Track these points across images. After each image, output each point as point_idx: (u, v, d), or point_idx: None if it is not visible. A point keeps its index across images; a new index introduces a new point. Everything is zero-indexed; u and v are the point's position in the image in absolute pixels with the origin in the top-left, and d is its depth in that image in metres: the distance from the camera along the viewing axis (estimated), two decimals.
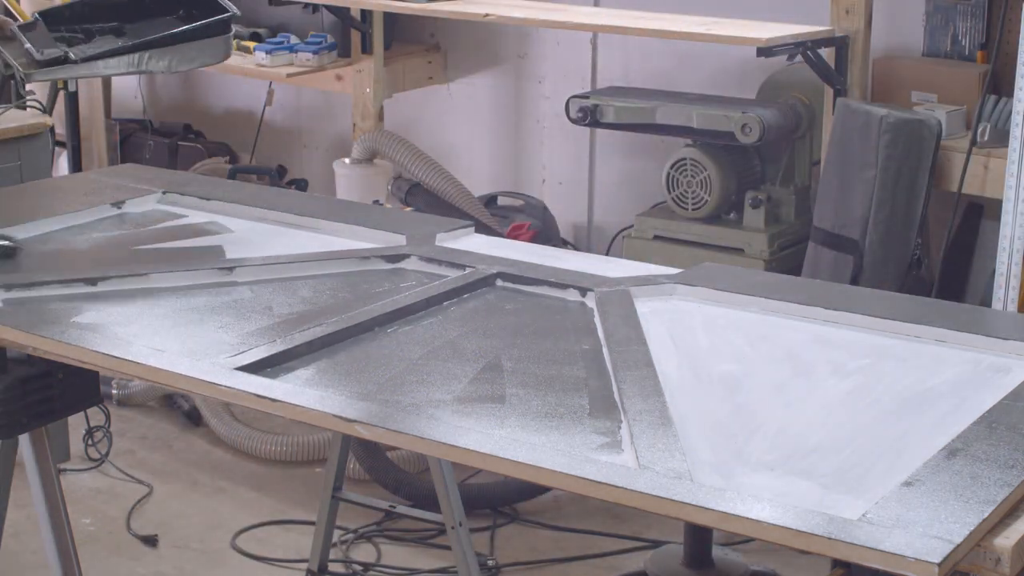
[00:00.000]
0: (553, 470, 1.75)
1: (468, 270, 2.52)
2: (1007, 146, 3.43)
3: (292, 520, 3.91)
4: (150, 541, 3.79)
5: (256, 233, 2.81)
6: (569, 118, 4.43)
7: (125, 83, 6.05)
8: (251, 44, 5.14)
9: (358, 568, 3.69)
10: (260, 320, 2.29)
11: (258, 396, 1.97)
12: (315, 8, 5.09)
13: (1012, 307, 3.38)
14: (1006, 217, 3.40)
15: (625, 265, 2.70)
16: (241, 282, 2.49)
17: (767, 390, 2.03)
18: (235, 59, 5.15)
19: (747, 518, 1.61)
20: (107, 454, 4.20)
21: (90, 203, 2.91)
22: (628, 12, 4.40)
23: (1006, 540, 1.60)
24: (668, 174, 4.35)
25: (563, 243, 4.96)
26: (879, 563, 1.53)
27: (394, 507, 3.36)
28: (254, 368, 2.06)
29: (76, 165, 5.05)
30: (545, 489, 3.82)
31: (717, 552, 2.38)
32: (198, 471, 4.24)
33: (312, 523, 3.30)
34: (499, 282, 2.50)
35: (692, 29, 3.98)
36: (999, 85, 3.87)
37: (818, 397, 2.00)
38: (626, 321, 2.27)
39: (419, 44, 5.38)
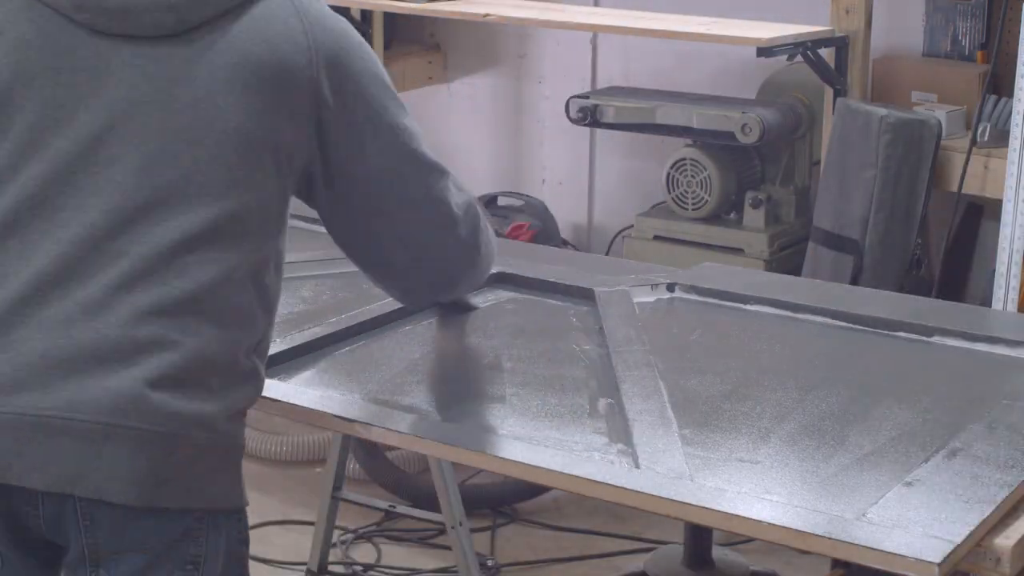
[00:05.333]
0: (553, 470, 1.75)
1: None
2: (1007, 146, 3.43)
3: (292, 520, 3.91)
4: None
5: None
6: (569, 118, 4.42)
7: None
8: None
9: (358, 568, 3.69)
10: None
11: None
12: None
13: (1012, 307, 3.37)
14: (1006, 217, 3.40)
15: (625, 265, 2.70)
16: None
17: (767, 390, 2.03)
18: None
19: (747, 518, 1.61)
20: None
21: None
22: (628, 12, 4.40)
23: (1006, 540, 1.60)
24: (668, 174, 4.35)
25: (563, 243, 4.95)
26: (879, 563, 1.53)
27: (394, 507, 3.36)
28: None
29: None
30: (545, 489, 3.82)
31: (717, 552, 2.38)
32: None
33: (312, 523, 3.30)
34: (499, 282, 2.50)
35: (692, 29, 3.97)
36: (999, 85, 3.87)
37: (817, 396, 2.00)
38: (626, 321, 2.27)
39: (419, 44, 5.38)
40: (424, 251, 1.97)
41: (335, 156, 1.81)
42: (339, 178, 1.83)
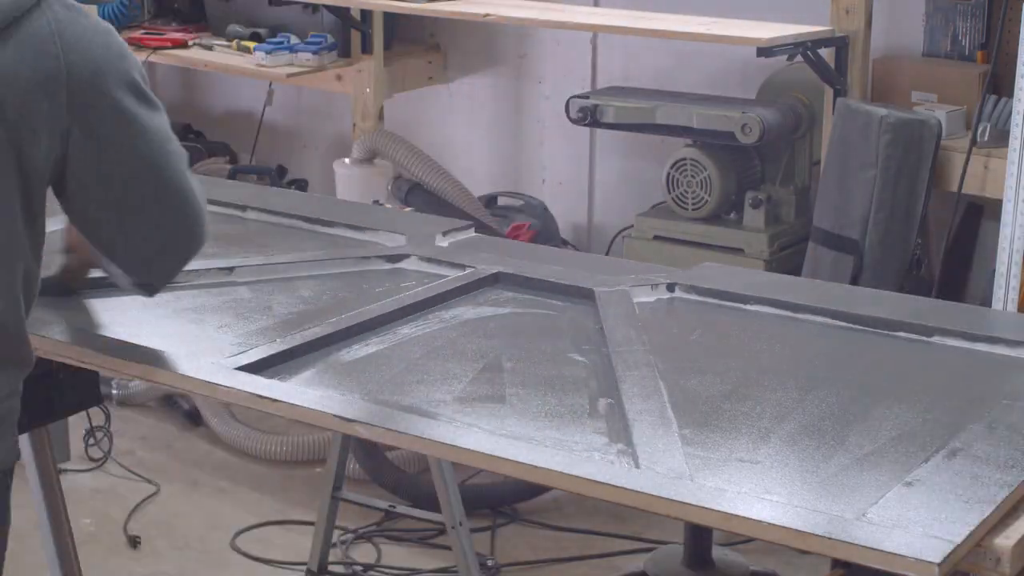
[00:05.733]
0: (553, 470, 1.75)
1: (468, 270, 2.52)
2: (1007, 146, 3.43)
3: (292, 520, 3.91)
4: (134, 542, 3.79)
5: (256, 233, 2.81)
6: (569, 118, 4.43)
7: None
8: (251, 44, 5.13)
9: (358, 568, 3.69)
10: (260, 320, 2.29)
11: (258, 396, 1.97)
12: (315, 8, 5.09)
13: (1012, 307, 3.38)
14: (1006, 217, 3.40)
15: (625, 265, 2.70)
16: (241, 282, 2.49)
17: (767, 390, 2.03)
18: (235, 59, 5.15)
19: (747, 518, 1.61)
20: (108, 454, 4.21)
21: None
22: (628, 12, 4.40)
23: (1006, 540, 1.60)
24: (668, 174, 4.35)
25: (563, 243, 4.95)
26: (879, 563, 1.53)
27: (394, 507, 3.36)
28: (254, 368, 2.06)
29: None
30: (545, 489, 3.82)
31: (717, 552, 2.38)
32: (198, 471, 4.24)
33: (312, 523, 3.30)
34: (499, 282, 2.50)
35: (692, 29, 3.97)
36: (999, 85, 3.87)
37: (817, 396, 2.00)
38: (626, 321, 2.27)
39: (419, 44, 5.38)
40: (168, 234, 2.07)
41: (88, 162, 1.94)
42: (92, 183, 1.96)
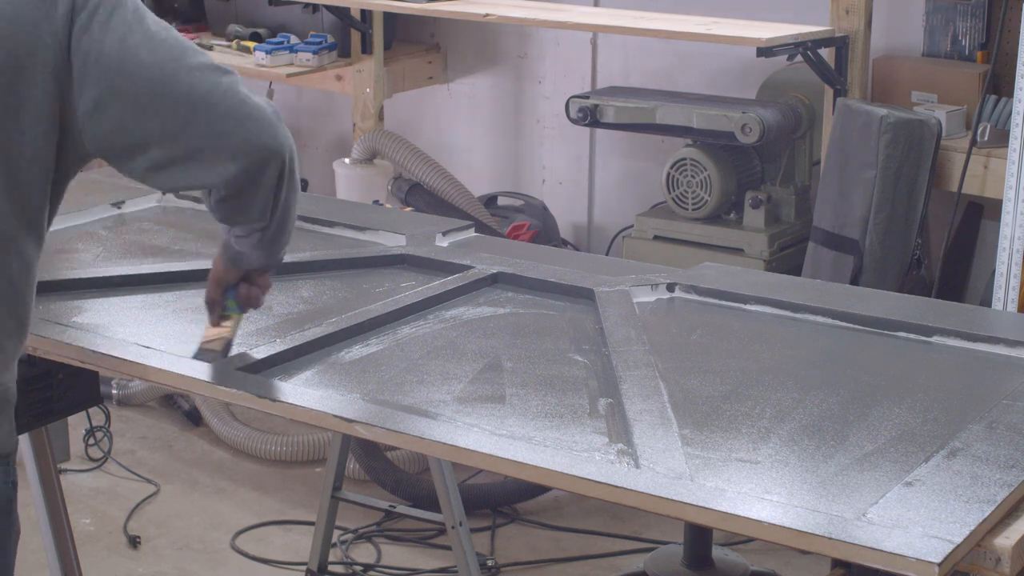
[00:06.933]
0: (553, 470, 1.75)
1: (468, 270, 2.52)
2: (1007, 146, 3.43)
3: (292, 520, 3.91)
4: (134, 542, 3.79)
5: None
6: (569, 118, 4.42)
7: None
8: (251, 44, 5.13)
9: (358, 568, 3.69)
10: (260, 320, 2.29)
11: (258, 396, 1.97)
12: (315, 8, 5.08)
13: (1012, 307, 3.37)
14: (1006, 217, 3.40)
15: (625, 265, 2.70)
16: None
17: (766, 390, 2.03)
18: (235, 59, 5.15)
19: (747, 518, 1.61)
20: (108, 454, 4.21)
21: (90, 203, 2.91)
22: (628, 12, 4.40)
23: (1006, 540, 1.60)
24: (668, 174, 4.35)
25: (563, 243, 4.95)
26: (879, 563, 1.53)
27: (394, 507, 3.36)
28: (254, 368, 2.07)
29: None
30: (545, 489, 3.82)
31: (717, 552, 2.38)
32: (198, 471, 4.24)
33: (312, 523, 3.31)
34: (499, 282, 2.50)
35: (692, 29, 3.97)
36: (999, 85, 3.87)
37: (817, 396, 2.00)
38: (626, 321, 2.27)
39: (419, 44, 5.38)
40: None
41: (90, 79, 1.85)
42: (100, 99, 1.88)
